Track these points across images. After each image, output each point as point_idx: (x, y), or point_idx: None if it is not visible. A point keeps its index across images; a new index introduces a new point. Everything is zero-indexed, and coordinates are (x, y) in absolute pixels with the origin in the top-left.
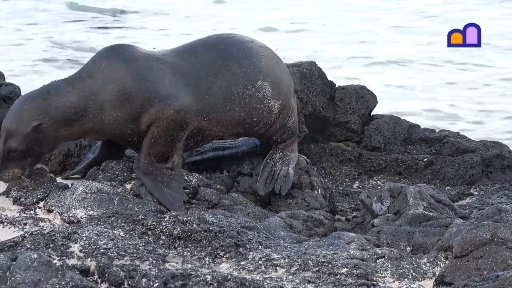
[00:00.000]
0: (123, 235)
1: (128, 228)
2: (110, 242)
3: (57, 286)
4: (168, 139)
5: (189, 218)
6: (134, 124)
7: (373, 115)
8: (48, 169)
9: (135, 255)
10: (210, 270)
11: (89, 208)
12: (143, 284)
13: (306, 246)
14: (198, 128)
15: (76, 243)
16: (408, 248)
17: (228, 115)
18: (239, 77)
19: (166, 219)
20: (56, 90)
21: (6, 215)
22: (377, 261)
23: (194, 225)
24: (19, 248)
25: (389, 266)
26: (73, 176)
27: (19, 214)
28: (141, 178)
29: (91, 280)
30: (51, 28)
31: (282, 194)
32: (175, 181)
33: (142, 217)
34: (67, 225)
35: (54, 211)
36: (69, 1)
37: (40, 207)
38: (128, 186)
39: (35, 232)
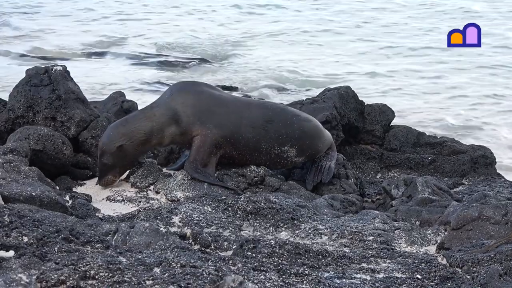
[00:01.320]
0: (211, 210)
1: (214, 205)
2: (201, 215)
3: (163, 246)
4: (206, 151)
5: (258, 199)
6: (183, 138)
7: (391, 125)
8: (156, 162)
9: (219, 225)
10: (273, 237)
11: (186, 191)
12: (225, 246)
13: (343, 220)
14: (230, 155)
15: (176, 215)
16: (417, 223)
17: (256, 158)
18: (271, 139)
19: (241, 199)
20: (132, 118)
21: (126, 195)
22: (395, 231)
23: (262, 204)
24: (135, 219)
25: (404, 235)
26: (173, 169)
27: (136, 194)
28: (191, 175)
29: (187, 242)
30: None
31: (325, 183)
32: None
33: (224, 197)
34: (170, 202)
35: (160, 192)
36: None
37: (150, 189)
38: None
39: (147, 208)
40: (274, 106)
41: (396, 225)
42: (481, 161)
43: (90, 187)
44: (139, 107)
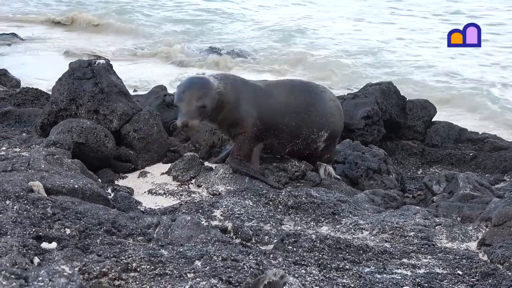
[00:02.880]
0: (252, 204)
1: (255, 199)
2: (242, 209)
3: (204, 240)
4: (248, 146)
5: (299, 193)
6: (228, 132)
7: (433, 121)
8: (198, 155)
9: (260, 219)
10: (314, 231)
11: (227, 184)
12: (266, 240)
13: (384, 215)
14: (271, 145)
15: (218, 209)
16: (459, 219)
17: (294, 145)
18: (312, 123)
19: (282, 193)
20: (212, 78)
21: (168, 188)
22: (436, 227)
23: (303, 198)
24: (177, 212)
25: (445, 231)
26: (216, 161)
27: (177, 188)
28: (235, 167)
29: (228, 236)
30: None
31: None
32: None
33: (266, 191)
34: (211, 196)
35: (202, 186)
36: None
37: (192, 183)
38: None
39: (188, 201)
40: (314, 88)
41: (437, 221)
42: None
43: (132, 180)
44: None
